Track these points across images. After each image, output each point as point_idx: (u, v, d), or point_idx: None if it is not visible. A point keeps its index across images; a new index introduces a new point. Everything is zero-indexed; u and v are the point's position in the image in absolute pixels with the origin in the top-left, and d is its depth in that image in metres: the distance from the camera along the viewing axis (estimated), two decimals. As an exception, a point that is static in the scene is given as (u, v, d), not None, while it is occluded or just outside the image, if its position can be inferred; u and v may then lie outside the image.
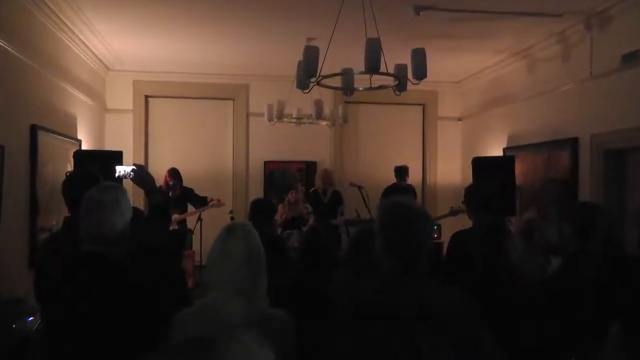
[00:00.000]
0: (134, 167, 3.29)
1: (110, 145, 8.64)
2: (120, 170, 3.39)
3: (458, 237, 4.11)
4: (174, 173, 7.95)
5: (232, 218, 8.11)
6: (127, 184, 3.58)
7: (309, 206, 7.56)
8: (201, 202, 7.96)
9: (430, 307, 2.08)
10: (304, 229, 7.43)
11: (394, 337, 2.07)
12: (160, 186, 7.62)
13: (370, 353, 2.10)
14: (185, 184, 8.05)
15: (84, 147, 7.38)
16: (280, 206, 8.07)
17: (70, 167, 6.44)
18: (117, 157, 6.41)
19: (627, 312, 2.67)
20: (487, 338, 2.12)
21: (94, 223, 2.38)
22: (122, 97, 9.20)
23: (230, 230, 2.30)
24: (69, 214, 3.01)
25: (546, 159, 7.09)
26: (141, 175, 3.23)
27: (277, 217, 7.59)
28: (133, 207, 2.66)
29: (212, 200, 7.97)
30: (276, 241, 5.09)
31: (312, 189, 7.72)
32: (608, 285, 2.78)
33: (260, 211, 4.84)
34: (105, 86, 9.08)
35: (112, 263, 2.37)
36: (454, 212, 7.81)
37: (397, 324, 2.07)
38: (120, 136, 8.98)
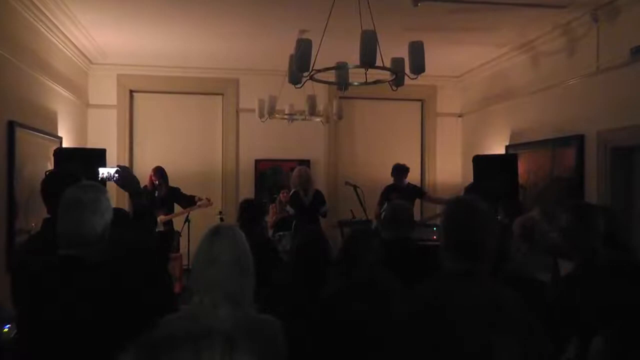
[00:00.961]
0: (118, 168, 3.29)
1: (92, 143, 8.63)
2: (104, 172, 3.39)
3: None
4: (159, 172, 7.94)
5: (221, 219, 8.11)
6: (111, 186, 3.58)
7: (289, 208, 7.50)
8: (189, 201, 7.94)
9: (497, 308, 2.13)
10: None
11: (458, 338, 2.11)
12: (145, 186, 7.61)
13: (434, 355, 2.14)
14: (171, 183, 8.04)
15: (64, 144, 7.36)
16: (271, 207, 8.07)
17: (50, 166, 6.42)
18: (100, 155, 6.40)
19: (619, 318, 2.72)
20: (546, 339, 2.21)
21: (72, 224, 2.37)
22: (105, 92, 9.17)
23: (216, 233, 2.29)
24: (48, 215, 2.99)
25: (550, 157, 7.10)
26: (125, 177, 3.22)
27: (269, 219, 7.58)
28: (117, 208, 2.65)
29: (200, 199, 7.95)
30: (266, 243, 5.09)
31: (292, 190, 7.65)
32: (606, 291, 2.82)
33: (250, 212, 4.84)
34: (87, 80, 9.05)
35: (91, 267, 2.36)
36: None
37: (463, 325, 2.11)
38: (103, 133, 8.96)
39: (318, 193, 7.59)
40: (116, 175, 3.24)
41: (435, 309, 2.17)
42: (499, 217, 5.12)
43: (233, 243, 2.26)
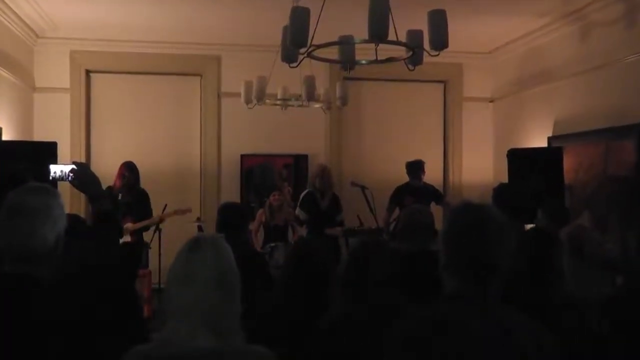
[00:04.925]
0: (74, 166, 3.29)
1: (40, 135, 8.63)
2: (56, 170, 3.39)
3: None
4: (130, 167, 7.77)
5: (199, 228, 8.09)
6: (65, 187, 3.59)
7: (300, 212, 7.52)
8: (144, 214, 7.76)
9: (510, 341, 2.11)
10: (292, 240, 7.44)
11: None
12: (109, 186, 7.51)
13: None
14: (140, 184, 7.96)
15: (5, 137, 7.39)
16: (259, 212, 8.05)
17: (-12, 164, 6.43)
18: (50, 150, 6.40)
19: None
20: None
21: (18, 235, 2.37)
22: (56, 73, 9.17)
23: (194, 245, 2.29)
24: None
25: (603, 151, 7.11)
26: (83, 176, 3.22)
27: (253, 227, 7.56)
28: (72, 214, 2.66)
29: (177, 211, 7.79)
30: (254, 257, 5.10)
31: (307, 191, 7.69)
32: None
33: (232, 219, 4.84)
34: (33, 58, 9.06)
35: (42, 287, 2.37)
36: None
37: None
38: (53, 123, 8.96)
39: (335, 197, 7.68)
40: (71, 174, 3.25)
41: (434, 341, 2.14)
42: (536, 224, 5.14)
43: (216, 257, 2.26)
